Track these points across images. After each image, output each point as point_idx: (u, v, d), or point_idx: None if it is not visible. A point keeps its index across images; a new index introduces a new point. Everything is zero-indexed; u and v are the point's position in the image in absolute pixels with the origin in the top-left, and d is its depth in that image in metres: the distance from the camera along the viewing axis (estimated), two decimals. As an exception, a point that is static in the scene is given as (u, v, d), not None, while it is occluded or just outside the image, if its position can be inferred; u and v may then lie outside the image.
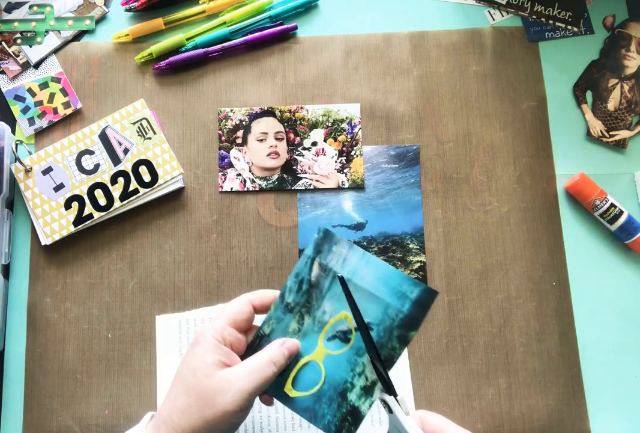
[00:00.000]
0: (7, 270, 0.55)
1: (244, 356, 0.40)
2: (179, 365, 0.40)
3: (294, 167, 0.57)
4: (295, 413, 0.40)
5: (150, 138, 0.56)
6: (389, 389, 0.38)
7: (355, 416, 0.39)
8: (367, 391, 0.39)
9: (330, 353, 0.40)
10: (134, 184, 0.55)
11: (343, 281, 0.39)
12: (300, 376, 0.40)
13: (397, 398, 0.38)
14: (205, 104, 0.58)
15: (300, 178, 0.57)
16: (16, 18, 0.60)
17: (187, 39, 0.59)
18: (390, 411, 0.37)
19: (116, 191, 0.55)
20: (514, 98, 0.59)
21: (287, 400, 0.40)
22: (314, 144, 0.58)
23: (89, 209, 0.54)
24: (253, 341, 0.42)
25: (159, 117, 0.58)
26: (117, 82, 0.59)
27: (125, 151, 0.56)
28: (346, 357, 0.40)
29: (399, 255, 0.55)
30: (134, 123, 0.56)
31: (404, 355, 0.53)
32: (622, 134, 0.58)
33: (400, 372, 0.52)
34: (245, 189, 0.57)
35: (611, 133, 0.58)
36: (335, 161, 0.57)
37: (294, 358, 0.40)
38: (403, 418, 0.37)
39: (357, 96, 0.58)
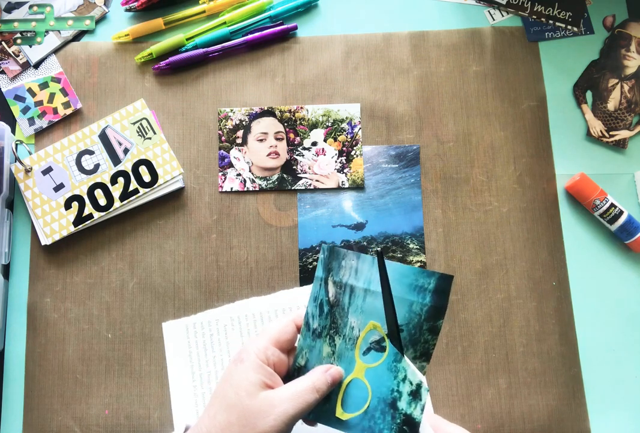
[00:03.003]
0: (7, 270, 0.55)
1: (285, 381, 0.40)
2: (220, 380, 0.39)
3: (294, 167, 0.57)
4: None
5: (150, 138, 0.56)
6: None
7: (411, 423, 0.38)
8: (415, 396, 0.38)
9: (369, 366, 0.40)
10: (134, 184, 0.55)
11: (381, 256, 0.39)
12: (348, 397, 0.40)
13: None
14: (205, 104, 0.58)
15: (300, 178, 0.57)
16: (16, 18, 0.60)
17: (187, 39, 0.59)
18: None
19: (116, 191, 0.55)
20: (514, 98, 0.59)
21: (342, 425, 0.40)
22: (314, 144, 0.58)
23: (89, 209, 0.54)
24: (291, 374, 0.41)
25: (159, 117, 0.58)
26: (117, 82, 0.59)
27: (125, 151, 0.56)
28: (386, 366, 0.39)
29: (399, 255, 0.55)
30: (134, 123, 0.56)
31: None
32: (622, 134, 0.58)
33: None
34: (245, 189, 0.57)
35: (611, 133, 0.58)
36: (335, 161, 0.57)
37: (337, 384, 0.40)
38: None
39: (357, 96, 0.59)
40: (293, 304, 0.54)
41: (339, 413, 0.40)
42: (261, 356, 0.38)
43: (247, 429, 0.36)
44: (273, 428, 0.36)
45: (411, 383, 0.38)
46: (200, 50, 0.58)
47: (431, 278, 0.39)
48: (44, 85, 0.58)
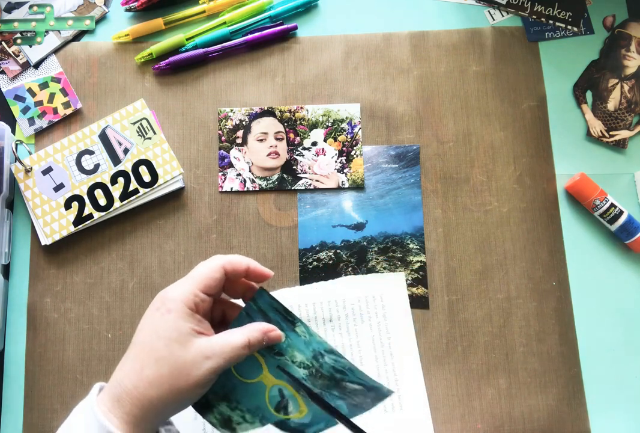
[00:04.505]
0: (7, 270, 0.55)
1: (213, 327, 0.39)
2: (141, 331, 0.37)
3: (294, 167, 0.57)
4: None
5: (150, 138, 0.56)
6: None
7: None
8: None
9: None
10: (134, 184, 0.55)
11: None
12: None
13: None
14: (205, 104, 0.58)
15: (300, 178, 0.57)
16: (16, 18, 0.60)
17: (187, 39, 0.59)
18: None
19: (116, 191, 0.55)
20: (514, 98, 0.59)
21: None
22: (314, 144, 0.58)
23: (89, 209, 0.54)
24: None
25: (159, 117, 0.58)
26: (117, 82, 0.59)
27: (125, 151, 0.56)
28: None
29: (399, 255, 0.55)
30: (134, 123, 0.56)
31: (416, 357, 0.53)
32: (622, 134, 0.58)
33: (412, 373, 0.52)
34: (245, 189, 0.57)
35: (611, 133, 0.58)
36: (335, 161, 0.57)
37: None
38: None
39: (357, 96, 0.59)
40: (294, 303, 0.54)
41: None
42: (190, 304, 0.36)
43: (178, 381, 0.35)
44: (204, 378, 0.35)
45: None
46: (200, 50, 0.58)
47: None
48: (44, 85, 0.58)
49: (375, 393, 0.38)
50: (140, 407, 0.35)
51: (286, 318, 0.38)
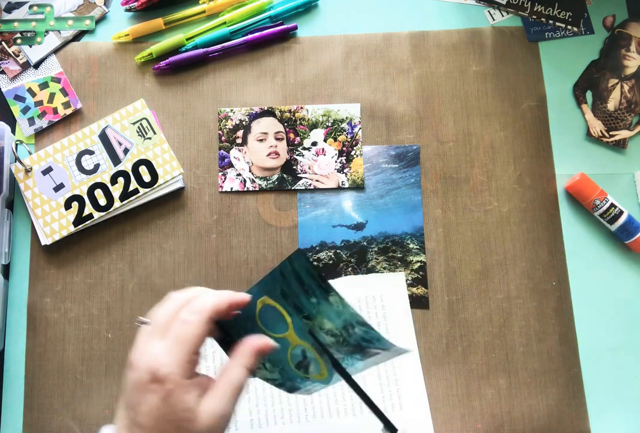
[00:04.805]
0: (7, 270, 0.55)
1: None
2: (141, 414, 0.33)
3: (294, 167, 0.57)
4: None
5: (150, 138, 0.56)
6: (390, 427, 0.37)
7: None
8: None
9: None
10: (134, 184, 0.55)
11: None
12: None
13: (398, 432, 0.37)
14: (205, 104, 0.58)
15: (300, 178, 0.57)
16: (16, 18, 0.60)
17: (187, 39, 0.59)
18: None
19: (116, 191, 0.55)
20: (514, 98, 0.59)
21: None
22: (314, 144, 0.58)
23: (89, 209, 0.54)
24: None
25: (159, 117, 0.58)
26: (117, 82, 0.59)
27: (125, 151, 0.56)
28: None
29: (399, 255, 0.55)
30: (134, 123, 0.56)
31: (416, 357, 0.53)
32: (622, 134, 0.58)
33: (412, 373, 0.52)
34: (245, 189, 0.57)
35: (611, 133, 0.58)
36: (335, 161, 0.57)
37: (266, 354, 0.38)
38: None
39: (357, 96, 0.59)
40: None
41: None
42: (187, 374, 0.33)
43: None
44: (222, 427, 0.34)
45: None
46: (200, 50, 0.58)
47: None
48: (44, 85, 0.58)
49: (391, 353, 0.37)
50: None
51: (320, 286, 0.36)
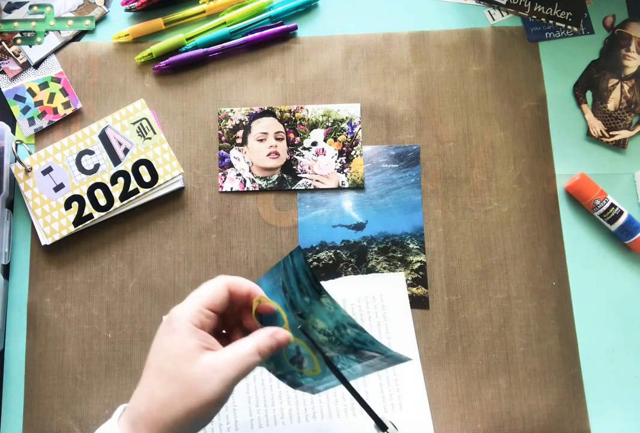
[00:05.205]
0: (7, 270, 0.55)
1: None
2: (150, 354, 0.36)
3: (294, 167, 0.57)
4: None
5: (150, 138, 0.56)
6: (380, 425, 0.38)
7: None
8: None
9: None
10: (134, 184, 0.55)
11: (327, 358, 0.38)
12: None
13: (389, 430, 0.38)
14: (205, 104, 0.58)
15: (300, 178, 0.57)
16: (16, 18, 0.60)
17: (187, 39, 0.59)
18: None
19: (116, 191, 0.55)
20: (514, 98, 0.59)
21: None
22: (314, 144, 0.58)
23: (89, 209, 0.54)
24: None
25: (159, 117, 0.58)
26: (117, 82, 0.59)
27: (125, 151, 0.56)
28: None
29: (399, 255, 0.55)
30: (134, 123, 0.56)
31: (416, 357, 0.53)
32: (622, 134, 0.58)
33: (412, 373, 0.52)
34: (245, 189, 0.57)
35: (611, 133, 0.58)
36: (335, 161, 0.57)
37: (281, 348, 0.39)
38: None
39: (357, 96, 0.59)
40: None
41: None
42: (194, 321, 0.36)
43: (189, 399, 0.34)
44: (216, 393, 0.34)
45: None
46: (200, 51, 0.58)
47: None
48: (44, 85, 0.58)
49: (392, 359, 0.38)
50: (157, 431, 0.34)
51: (313, 286, 0.37)
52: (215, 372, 0.34)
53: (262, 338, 0.37)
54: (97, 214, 0.54)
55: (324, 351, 0.38)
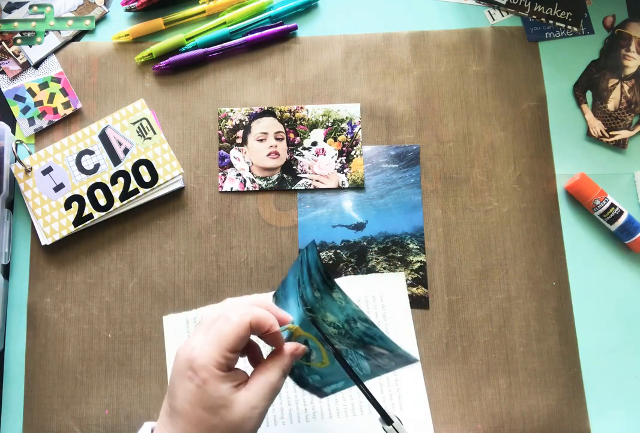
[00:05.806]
0: (7, 270, 0.55)
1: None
2: (178, 400, 0.36)
3: (294, 167, 0.57)
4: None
5: (150, 138, 0.56)
6: (386, 418, 0.38)
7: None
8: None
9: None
10: (134, 184, 0.55)
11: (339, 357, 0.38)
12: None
13: (394, 424, 0.38)
14: (205, 104, 0.58)
15: (300, 178, 0.57)
16: (16, 18, 0.60)
17: (187, 39, 0.59)
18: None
19: (116, 191, 0.55)
20: (514, 98, 0.59)
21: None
22: (314, 144, 0.58)
23: (89, 209, 0.54)
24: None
25: (159, 117, 0.58)
26: (117, 82, 0.59)
27: (125, 151, 0.56)
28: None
29: (399, 255, 0.55)
30: (134, 123, 0.56)
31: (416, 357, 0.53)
32: (622, 134, 0.58)
33: (412, 373, 0.52)
34: (245, 189, 0.57)
35: (611, 133, 0.58)
36: (335, 161, 0.57)
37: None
38: None
39: (357, 96, 0.59)
40: (293, 304, 0.54)
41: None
42: (222, 368, 0.35)
43: None
44: (257, 426, 0.36)
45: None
46: (200, 51, 0.58)
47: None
48: (44, 85, 0.58)
49: (400, 359, 0.38)
50: None
51: (325, 281, 0.37)
52: (253, 409, 0.36)
53: (287, 360, 0.38)
54: (97, 214, 0.54)
55: (333, 343, 0.38)
